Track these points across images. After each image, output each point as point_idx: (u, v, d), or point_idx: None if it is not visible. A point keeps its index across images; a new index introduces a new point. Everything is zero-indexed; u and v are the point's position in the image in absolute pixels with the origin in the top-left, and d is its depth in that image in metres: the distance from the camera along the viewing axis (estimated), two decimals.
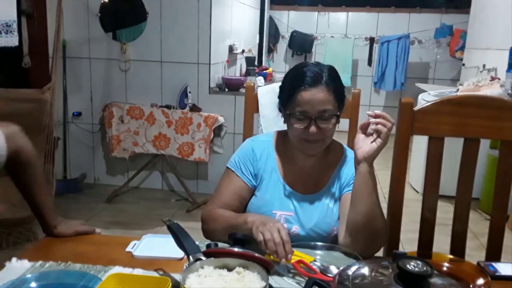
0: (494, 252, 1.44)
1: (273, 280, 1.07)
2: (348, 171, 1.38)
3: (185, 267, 1.01)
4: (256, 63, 4.92)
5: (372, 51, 6.43)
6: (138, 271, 1.10)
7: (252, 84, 1.83)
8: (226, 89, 3.76)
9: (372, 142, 1.20)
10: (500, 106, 1.40)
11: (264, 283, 0.92)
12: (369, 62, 6.48)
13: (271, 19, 6.51)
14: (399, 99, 1.43)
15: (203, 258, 1.00)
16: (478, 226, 3.07)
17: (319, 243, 1.27)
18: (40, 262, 1.14)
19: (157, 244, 1.26)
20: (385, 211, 1.31)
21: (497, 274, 1.15)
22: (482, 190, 3.54)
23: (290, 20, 6.66)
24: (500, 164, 1.41)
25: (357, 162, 1.23)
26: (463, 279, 1.07)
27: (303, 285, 0.97)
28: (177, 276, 1.03)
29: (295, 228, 1.36)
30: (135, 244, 1.25)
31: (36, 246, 1.28)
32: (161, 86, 3.76)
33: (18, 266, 1.11)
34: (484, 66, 4.27)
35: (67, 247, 1.24)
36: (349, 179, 1.36)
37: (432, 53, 6.32)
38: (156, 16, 3.66)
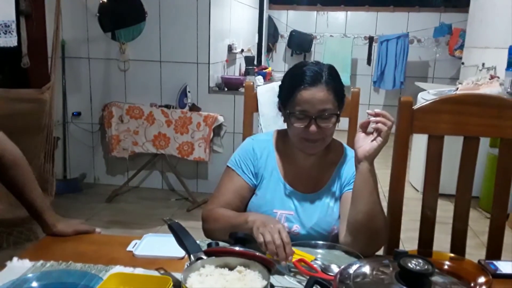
0: (494, 250, 1.44)
1: (274, 279, 1.07)
2: (348, 170, 1.39)
3: (186, 266, 1.01)
4: (255, 62, 4.92)
5: (371, 50, 6.43)
6: (139, 271, 1.10)
7: (252, 83, 1.83)
8: (226, 89, 3.76)
9: (372, 140, 1.20)
10: (500, 104, 1.40)
11: (265, 282, 0.92)
12: (368, 61, 6.48)
13: (270, 18, 6.51)
14: (398, 98, 1.43)
15: (204, 257, 1.00)
16: (478, 225, 3.07)
17: (320, 242, 1.27)
18: (41, 261, 1.13)
19: (158, 244, 1.26)
20: (385, 210, 1.31)
21: (498, 272, 1.16)
22: (482, 189, 3.54)
23: (289, 20, 6.66)
24: (499, 162, 1.41)
25: (357, 161, 1.23)
26: (464, 277, 1.07)
27: (304, 284, 0.97)
28: (178, 275, 1.03)
29: (296, 227, 1.36)
30: (136, 243, 1.25)
31: (37, 245, 1.28)
32: (160, 86, 3.76)
33: (19, 266, 1.11)
34: (483, 64, 4.28)
35: (68, 247, 1.24)
36: (350, 178, 1.36)
37: (431, 52, 6.32)
38: (155, 16, 3.66)
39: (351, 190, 1.29)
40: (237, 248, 1.02)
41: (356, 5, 6.45)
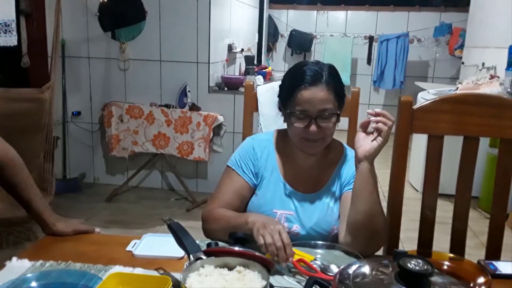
0: (494, 250, 1.44)
1: (274, 279, 1.07)
2: (348, 170, 1.38)
3: (185, 266, 1.00)
4: (255, 62, 4.92)
5: (371, 49, 6.43)
6: (139, 271, 1.10)
7: (251, 83, 1.82)
8: (226, 88, 3.76)
9: (372, 140, 1.20)
10: (500, 104, 1.40)
11: (264, 282, 0.92)
12: (369, 61, 6.48)
13: (270, 18, 6.51)
14: (398, 98, 1.43)
15: (204, 257, 1.00)
16: (478, 225, 3.07)
17: (320, 242, 1.27)
18: (40, 261, 1.13)
19: (158, 243, 1.26)
20: (384, 210, 1.31)
21: (497, 272, 1.15)
22: (482, 189, 3.54)
23: (289, 19, 6.65)
24: (499, 162, 1.41)
25: (357, 160, 1.23)
26: (464, 277, 1.07)
27: (303, 284, 0.97)
28: (178, 275, 1.03)
29: (296, 227, 1.36)
30: (135, 243, 1.25)
31: (36, 245, 1.28)
32: (160, 85, 3.76)
33: (19, 266, 1.11)
34: (483, 64, 4.28)
35: (68, 247, 1.24)
36: (350, 178, 1.36)
37: (431, 51, 6.32)
38: (155, 15, 3.66)
39: (351, 190, 1.29)
40: (236, 248, 1.02)
41: (356, 4, 6.45)
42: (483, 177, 3.49)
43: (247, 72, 4.26)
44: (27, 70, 3.14)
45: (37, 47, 3.16)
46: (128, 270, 1.10)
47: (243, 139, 1.56)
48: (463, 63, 5.02)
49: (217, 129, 3.56)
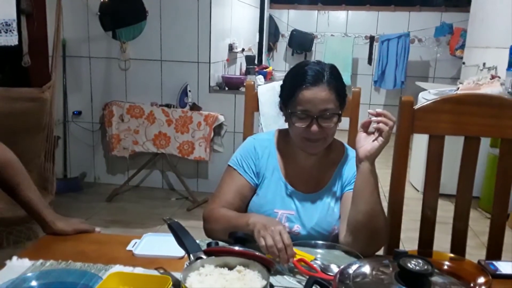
0: (494, 250, 1.44)
1: (274, 279, 1.07)
2: (349, 169, 1.38)
3: (185, 265, 1.01)
4: (256, 62, 4.91)
5: (372, 49, 6.42)
6: (139, 270, 1.10)
7: (252, 82, 1.82)
8: (226, 88, 3.76)
9: (373, 140, 1.19)
10: (500, 104, 1.40)
11: (264, 282, 0.92)
12: (369, 61, 6.47)
13: (271, 17, 6.51)
14: (399, 98, 1.43)
15: (204, 256, 1.00)
16: (479, 225, 3.07)
17: (320, 242, 1.27)
18: (40, 261, 1.13)
19: (158, 243, 1.26)
20: (385, 209, 1.31)
21: (497, 272, 1.15)
22: (483, 189, 3.54)
23: (290, 19, 6.65)
24: (500, 162, 1.41)
25: (358, 160, 1.23)
26: (464, 277, 1.07)
27: (304, 283, 0.97)
28: (178, 275, 1.03)
29: (297, 227, 1.36)
30: (135, 242, 1.25)
31: (37, 244, 1.28)
32: (161, 85, 3.76)
33: (19, 265, 1.11)
34: (484, 64, 4.27)
35: (68, 246, 1.24)
36: (350, 178, 1.36)
37: (432, 51, 6.32)
38: (156, 15, 3.66)
39: (351, 190, 1.29)
40: (236, 248, 1.02)
41: (357, 4, 6.45)
42: (484, 177, 3.49)
43: (247, 72, 4.26)
44: (28, 70, 3.14)
45: (38, 47, 3.16)
46: (128, 269, 1.10)
47: (244, 139, 1.56)
48: (464, 63, 5.01)
49: (217, 129, 3.56)
